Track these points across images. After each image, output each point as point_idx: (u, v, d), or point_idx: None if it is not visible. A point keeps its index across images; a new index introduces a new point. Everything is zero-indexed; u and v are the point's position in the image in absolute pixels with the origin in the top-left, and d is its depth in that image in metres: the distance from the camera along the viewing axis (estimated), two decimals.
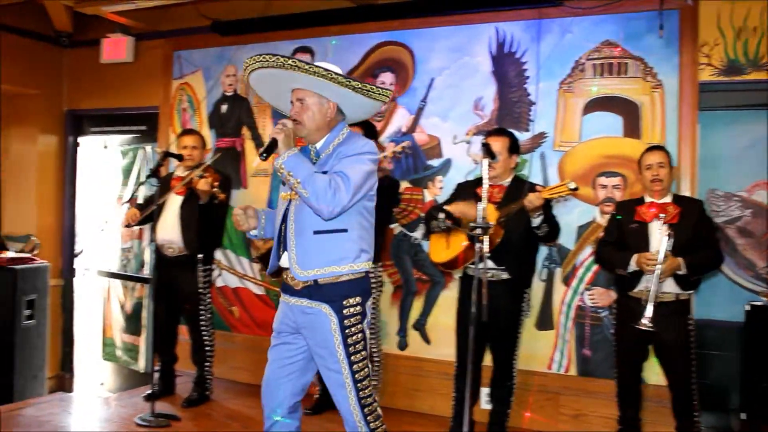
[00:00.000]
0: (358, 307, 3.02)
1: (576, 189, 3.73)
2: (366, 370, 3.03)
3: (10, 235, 6.62)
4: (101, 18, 5.98)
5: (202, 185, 4.58)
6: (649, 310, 3.68)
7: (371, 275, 3.16)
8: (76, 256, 6.93)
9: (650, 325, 3.67)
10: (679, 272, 3.76)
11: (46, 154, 6.76)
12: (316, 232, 2.99)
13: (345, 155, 2.98)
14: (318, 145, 3.10)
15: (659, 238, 3.77)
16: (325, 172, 2.95)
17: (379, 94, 3.05)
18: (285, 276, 3.11)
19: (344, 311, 2.99)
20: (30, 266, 6.07)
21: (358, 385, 3.00)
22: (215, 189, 4.60)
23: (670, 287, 3.83)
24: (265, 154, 2.91)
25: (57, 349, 6.77)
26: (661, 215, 3.86)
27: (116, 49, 6.10)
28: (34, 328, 6.02)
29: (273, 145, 2.93)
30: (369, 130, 4.76)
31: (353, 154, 2.98)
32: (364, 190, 3.00)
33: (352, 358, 2.99)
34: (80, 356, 6.94)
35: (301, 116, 3.04)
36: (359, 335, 3.01)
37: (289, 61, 2.92)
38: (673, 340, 3.83)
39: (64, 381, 6.79)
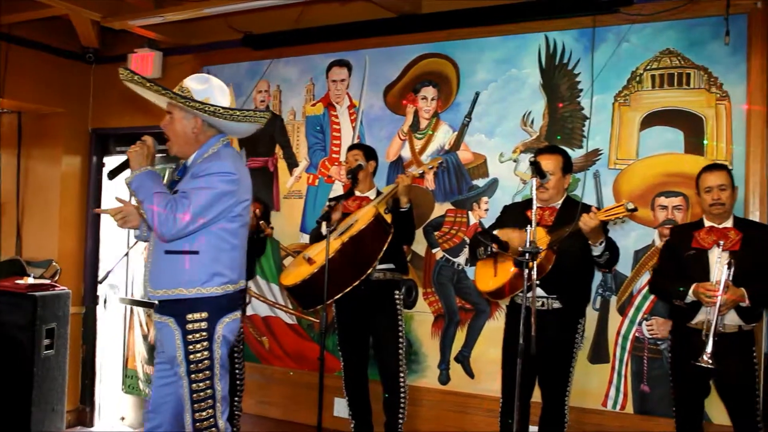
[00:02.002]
0: (204, 324, 3.18)
1: (635, 210, 3.65)
2: (208, 391, 3.20)
3: (30, 260, 6.68)
4: (128, 33, 6.03)
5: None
6: (710, 346, 3.57)
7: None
8: (99, 282, 6.96)
9: (710, 361, 3.55)
10: (742, 304, 3.64)
11: (69, 174, 6.80)
12: (166, 252, 3.20)
13: (197, 175, 3.16)
14: (188, 161, 3.30)
15: (719, 266, 3.65)
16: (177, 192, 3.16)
17: (231, 115, 3.22)
18: None
19: (187, 326, 3.17)
20: (50, 293, 6.08)
21: (195, 405, 3.18)
22: (261, 222, 4.61)
23: (733, 318, 3.72)
24: (112, 174, 3.22)
25: (77, 381, 6.76)
26: (720, 242, 3.73)
27: (144, 64, 6.16)
28: (53, 359, 6.03)
29: (124, 164, 3.20)
30: (368, 152, 4.77)
31: (204, 174, 3.15)
32: (213, 213, 3.15)
33: (192, 376, 3.17)
34: (101, 389, 6.93)
35: (167, 129, 3.30)
36: (204, 353, 3.18)
37: (136, 77, 3.19)
38: (735, 375, 3.72)
39: (84, 415, 6.78)
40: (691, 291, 3.71)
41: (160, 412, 3.37)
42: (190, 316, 3.17)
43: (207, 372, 3.19)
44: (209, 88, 3.27)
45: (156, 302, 3.29)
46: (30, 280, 6.12)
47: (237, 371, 4.91)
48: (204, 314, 3.18)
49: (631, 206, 3.61)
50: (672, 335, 4.03)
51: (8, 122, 6.89)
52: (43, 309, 5.94)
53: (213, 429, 3.21)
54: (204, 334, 3.18)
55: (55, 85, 6.60)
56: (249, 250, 4.82)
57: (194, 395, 3.18)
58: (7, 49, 6.06)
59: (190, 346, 3.17)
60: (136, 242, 5.16)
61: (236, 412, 4.96)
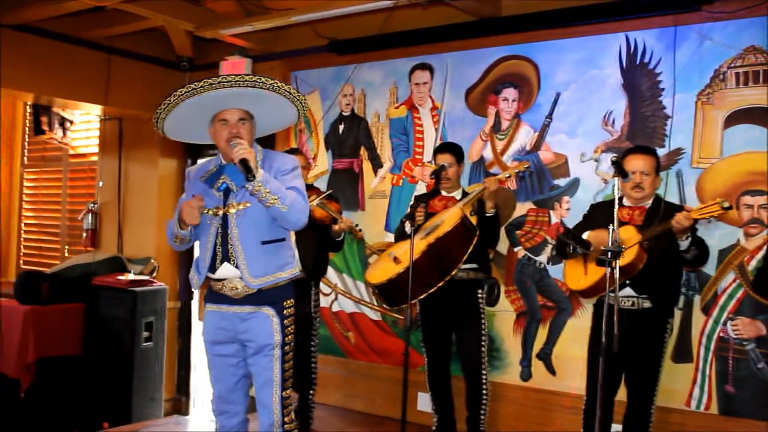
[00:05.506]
0: (293, 309, 3.40)
1: (729, 208, 3.55)
2: (291, 371, 3.39)
3: (130, 257, 6.91)
4: (220, 41, 6.17)
5: (341, 226, 4.71)
6: None
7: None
8: None
9: None
10: None
11: (166, 177, 7.01)
12: (263, 243, 3.32)
13: (282, 171, 3.35)
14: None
15: None
16: None
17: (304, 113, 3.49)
18: (220, 286, 3.37)
19: (284, 312, 3.36)
20: (149, 288, 6.31)
21: (284, 384, 3.34)
22: (352, 226, 4.74)
23: None
24: (252, 177, 3.12)
25: (173, 372, 6.97)
26: None
27: (235, 71, 6.25)
28: (152, 350, 6.25)
29: (250, 167, 3.13)
30: (459, 155, 4.70)
31: (290, 169, 3.36)
32: None
33: (285, 357, 3.35)
34: (196, 379, 7.10)
35: (244, 134, 3.29)
36: (292, 336, 3.39)
37: (269, 83, 3.21)
38: None
39: (180, 404, 6.98)
40: None
41: (234, 402, 3.47)
42: (286, 303, 3.37)
43: (292, 353, 3.40)
44: None
45: (240, 295, 3.32)
46: (130, 277, 6.35)
47: (314, 365, 4.96)
48: (293, 300, 3.41)
49: (726, 204, 3.51)
50: None
51: (110, 128, 7.18)
52: (142, 303, 6.17)
53: (291, 407, 3.41)
54: (293, 318, 3.40)
55: (153, 92, 6.75)
56: (326, 248, 4.91)
57: (285, 374, 3.35)
58: (109, 59, 6.30)
59: (286, 330, 3.35)
60: None
61: (311, 405, 5.02)
